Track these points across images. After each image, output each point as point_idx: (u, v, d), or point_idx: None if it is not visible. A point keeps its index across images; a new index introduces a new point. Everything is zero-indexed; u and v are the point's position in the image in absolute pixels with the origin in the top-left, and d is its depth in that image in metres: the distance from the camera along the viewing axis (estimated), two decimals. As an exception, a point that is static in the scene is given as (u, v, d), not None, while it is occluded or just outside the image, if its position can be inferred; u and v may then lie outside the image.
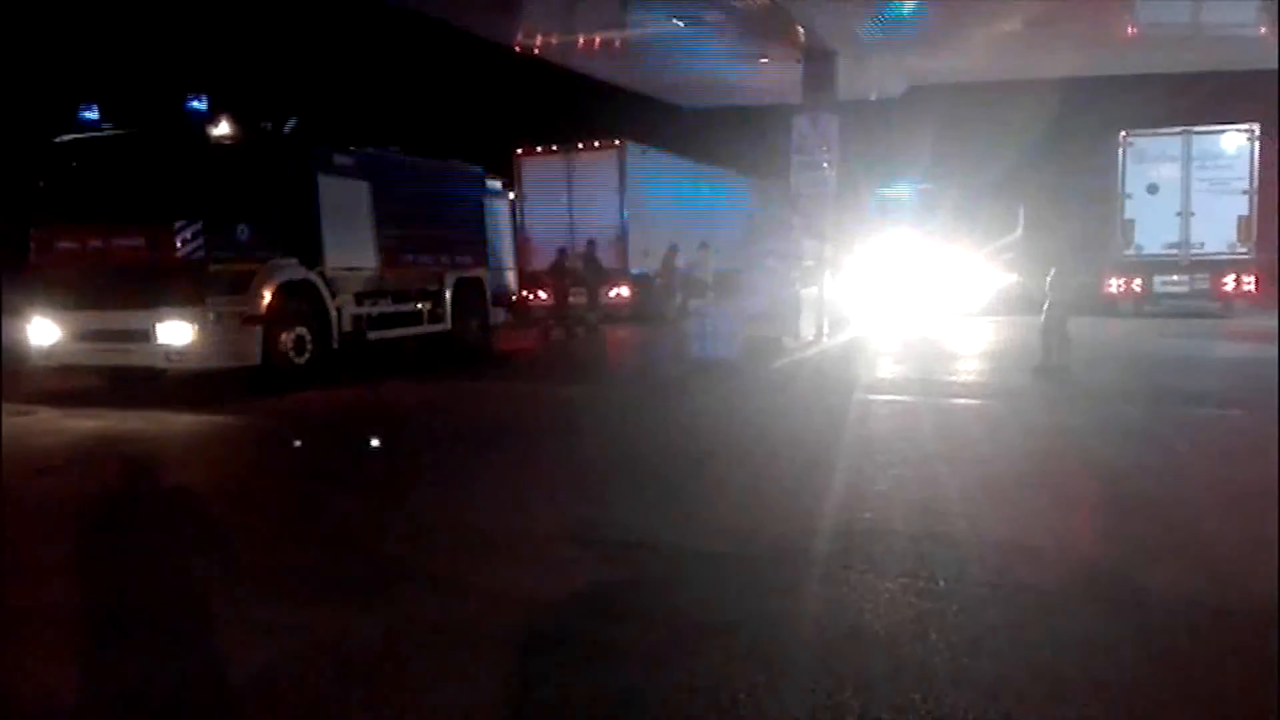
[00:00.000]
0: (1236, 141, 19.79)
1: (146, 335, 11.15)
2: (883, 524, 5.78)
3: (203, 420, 10.36)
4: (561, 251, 20.33)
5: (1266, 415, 9.24)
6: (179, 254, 10.94)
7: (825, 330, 16.64)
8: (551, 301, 21.50)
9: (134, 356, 11.41)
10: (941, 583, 4.72)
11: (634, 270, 21.65)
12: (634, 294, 21.75)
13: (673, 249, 21.17)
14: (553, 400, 11.85)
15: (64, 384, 11.93)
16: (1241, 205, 19.64)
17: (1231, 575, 4.83)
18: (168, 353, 11.15)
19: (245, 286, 11.45)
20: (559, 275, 19.97)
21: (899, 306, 21.00)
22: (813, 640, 4.10)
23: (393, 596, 4.75)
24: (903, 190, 25.68)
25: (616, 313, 21.41)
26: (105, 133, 11.66)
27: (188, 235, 10.96)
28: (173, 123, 11.30)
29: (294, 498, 6.97)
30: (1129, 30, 18.14)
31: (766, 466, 7.57)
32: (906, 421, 9.37)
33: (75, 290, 11.32)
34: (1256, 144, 19.58)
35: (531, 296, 21.56)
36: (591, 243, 20.24)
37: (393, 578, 5.03)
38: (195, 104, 11.29)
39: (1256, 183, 19.52)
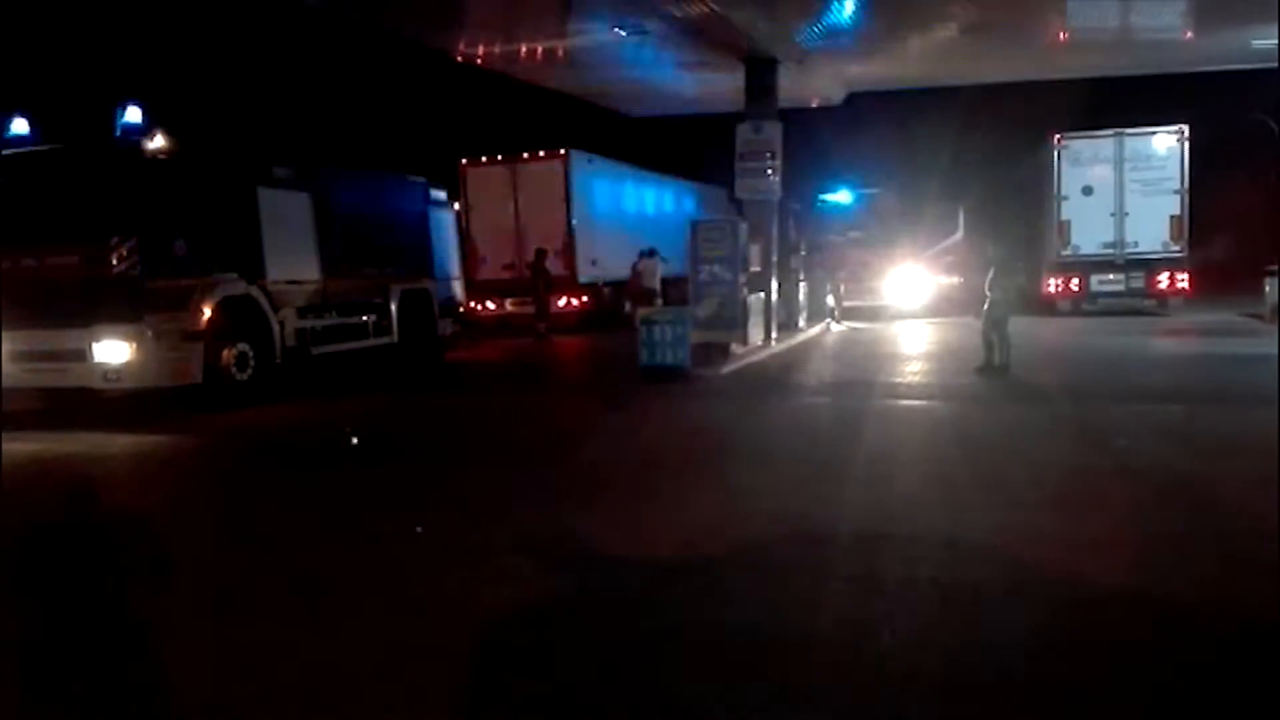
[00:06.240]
0: (1167, 143, 20.33)
1: (83, 354, 10.87)
2: (830, 526, 5.83)
3: (144, 441, 10.13)
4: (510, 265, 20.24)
5: (1204, 409, 9.52)
6: (115, 270, 10.70)
7: (773, 334, 16.78)
8: (500, 311, 21.42)
9: (71, 377, 11.11)
10: (890, 583, 4.77)
11: (582, 279, 21.62)
12: (583, 302, 21.73)
13: (651, 253, 20.97)
14: (500, 411, 11.79)
15: (-2, 406, 11.61)
16: (1173, 205, 20.18)
17: (1174, 567, 4.95)
18: (105, 372, 10.88)
19: (184, 302, 11.22)
20: (507, 285, 19.85)
21: (845, 309, 21.21)
22: (763, 643, 4.12)
23: (341, 612, 4.69)
24: (846, 195, 25.96)
25: (565, 322, 21.35)
26: (37, 148, 11.36)
27: (123, 251, 10.72)
28: (106, 137, 11.05)
29: (238, 517, 6.83)
30: (1060, 36, 18.56)
31: (713, 472, 7.61)
32: (852, 424, 9.43)
33: (8, 309, 10.99)
34: (1185, 145, 20.13)
35: (479, 307, 21.44)
36: (540, 252, 20.20)
37: (340, 593, 4.96)
38: (129, 118, 11.06)
39: (1186, 183, 20.07)
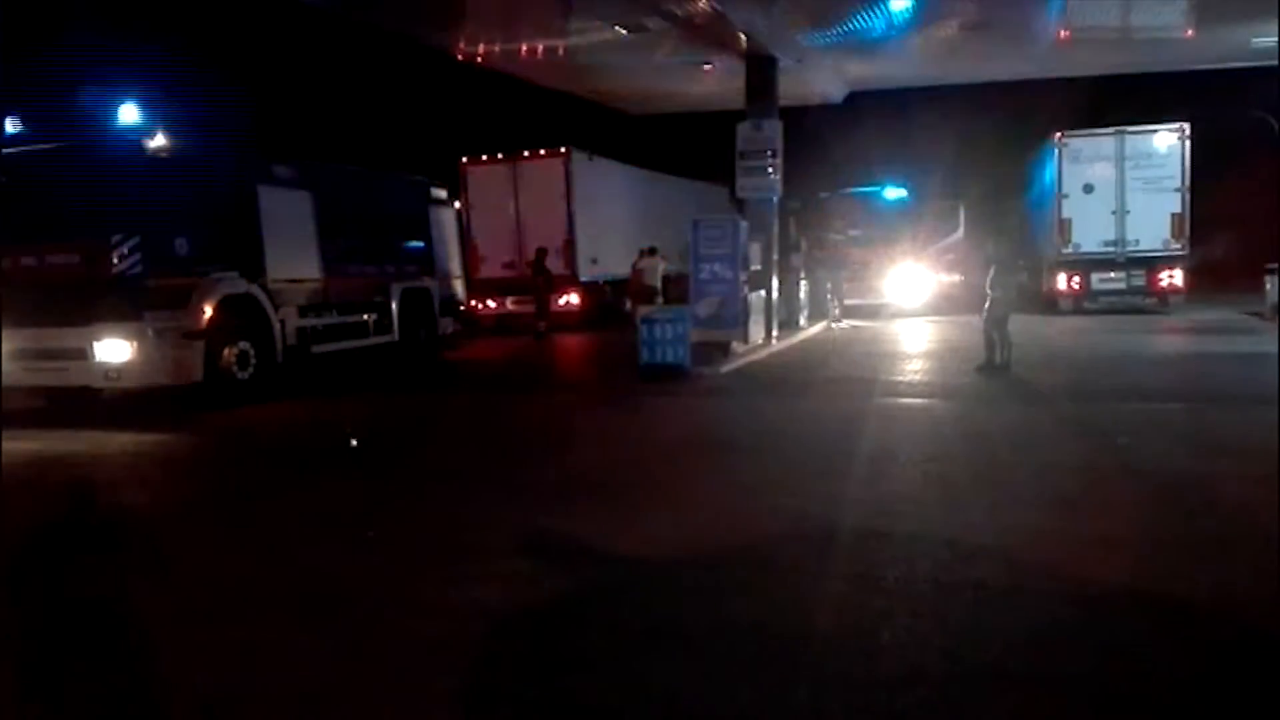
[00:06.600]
0: (1168, 141, 20.31)
1: (83, 353, 10.86)
2: (831, 524, 5.81)
3: (144, 440, 10.11)
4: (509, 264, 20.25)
5: (1205, 408, 9.52)
6: (115, 269, 10.70)
7: (774, 333, 16.78)
8: (500, 310, 21.44)
9: (71, 375, 11.11)
10: (891, 581, 4.77)
11: (583, 277, 21.62)
12: (583, 301, 21.73)
13: (652, 251, 20.99)
14: (500, 411, 11.79)
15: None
16: (1174, 203, 20.16)
17: (1175, 566, 4.94)
18: (106, 371, 10.88)
19: (185, 301, 11.22)
20: (508, 284, 19.88)
21: (846, 307, 21.20)
22: (764, 641, 4.12)
23: (340, 612, 4.69)
24: (846, 193, 25.92)
25: (565, 320, 21.35)
26: (37, 146, 11.35)
27: (124, 250, 10.72)
28: (107, 135, 11.04)
29: (238, 516, 6.83)
30: (1061, 34, 18.54)
31: (713, 471, 7.60)
32: (853, 422, 9.41)
33: (9, 308, 10.97)
34: (1186, 143, 20.11)
35: (480, 305, 21.45)
36: (541, 251, 20.20)
37: (340, 593, 4.96)
38: (129, 117, 11.05)
39: (1187, 180, 20.07)
